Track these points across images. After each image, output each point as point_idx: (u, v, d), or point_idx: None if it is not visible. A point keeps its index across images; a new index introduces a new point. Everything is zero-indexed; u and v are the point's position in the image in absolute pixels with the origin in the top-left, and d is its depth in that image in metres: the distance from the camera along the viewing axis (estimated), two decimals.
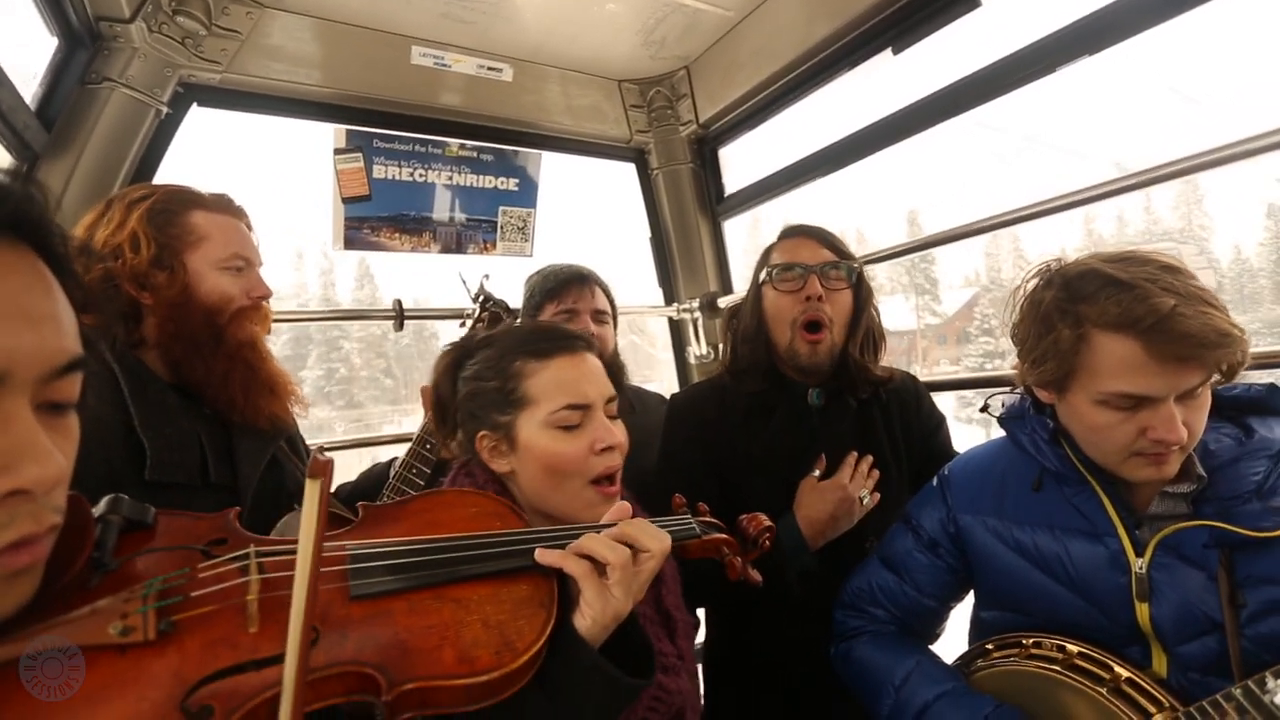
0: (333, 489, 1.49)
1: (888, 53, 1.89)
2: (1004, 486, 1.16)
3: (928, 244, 2.00)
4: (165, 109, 1.74)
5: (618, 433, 0.99)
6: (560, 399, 0.95)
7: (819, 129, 2.21)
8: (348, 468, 1.56)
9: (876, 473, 1.39)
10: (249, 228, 1.30)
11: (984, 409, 1.35)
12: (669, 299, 2.62)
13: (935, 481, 1.27)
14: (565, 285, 1.65)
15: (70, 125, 1.59)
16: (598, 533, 0.81)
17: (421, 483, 1.36)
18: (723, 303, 2.48)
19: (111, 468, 1.04)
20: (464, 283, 1.68)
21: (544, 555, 0.76)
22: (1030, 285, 1.10)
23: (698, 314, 2.54)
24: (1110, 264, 0.97)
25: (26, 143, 1.50)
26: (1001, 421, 1.20)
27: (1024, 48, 1.61)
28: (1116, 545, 1.01)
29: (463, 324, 1.63)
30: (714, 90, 2.28)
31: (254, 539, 0.70)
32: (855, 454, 1.39)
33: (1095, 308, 0.93)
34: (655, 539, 0.82)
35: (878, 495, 1.37)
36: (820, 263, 1.40)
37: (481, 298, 1.63)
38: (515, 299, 1.74)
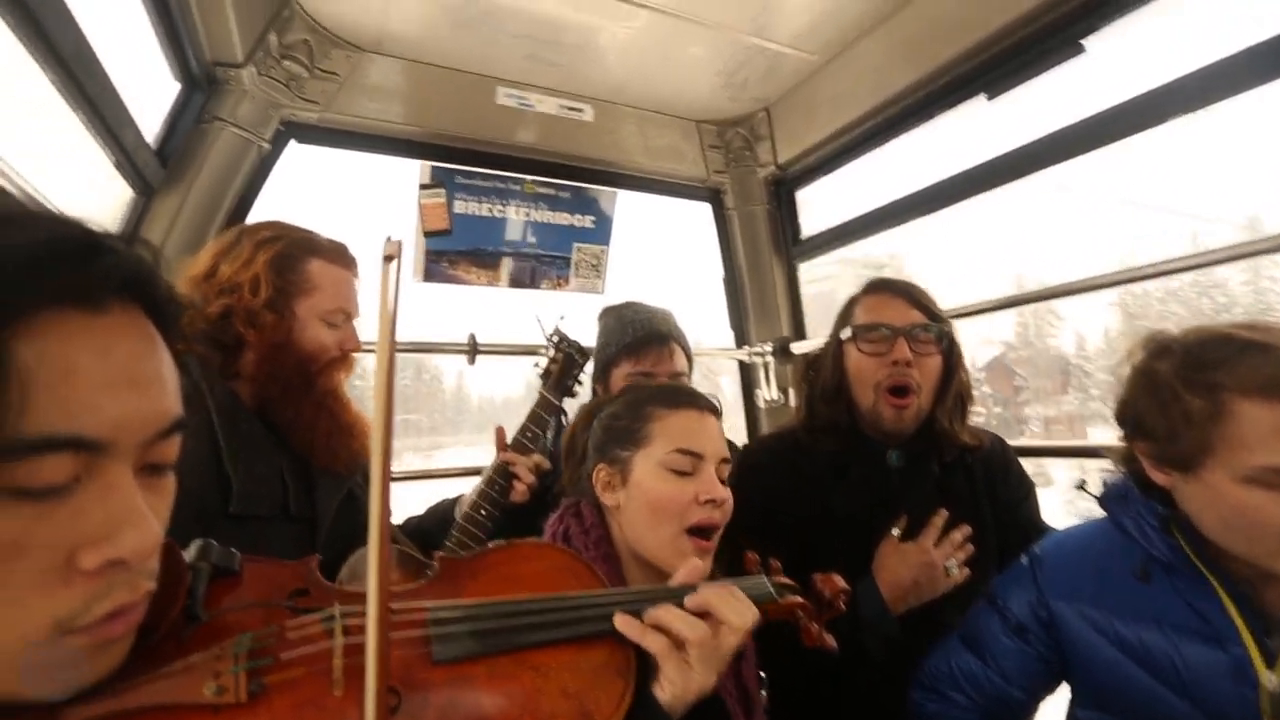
0: (399, 521, 1.51)
1: (981, 98, 1.82)
2: (1104, 573, 1.06)
3: (1021, 300, 1.88)
4: (267, 146, 1.84)
5: (724, 491, 1.01)
6: (677, 442, 1.02)
7: (904, 173, 2.13)
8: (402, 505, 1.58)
9: (970, 546, 1.28)
10: (357, 276, 1.35)
11: (1080, 486, 1.25)
12: (740, 341, 2.57)
13: (1025, 560, 1.17)
14: (644, 345, 1.58)
15: (184, 162, 1.70)
16: (678, 598, 0.79)
17: (490, 525, 1.35)
18: (796, 348, 2.41)
19: (199, 499, 1.08)
20: (540, 324, 1.69)
21: (624, 625, 0.75)
22: (1138, 358, 1.01)
23: (769, 358, 2.48)
24: (1239, 329, 0.88)
25: (146, 179, 1.61)
26: (1102, 502, 1.10)
27: (1131, 99, 1.51)
28: (1241, 654, 0.89)
29: (536, 365, 1.63)
30: (794, 132, 2.25)
31: (336, 593, 0.70)
32: (944, 513, 1.29)
33: (1235, 374, 0.84)
34: (738, 613, 0.79)
35: (967, 571, 1.26)
36: (909, 324, 1.31)
37: (556, 339, 1.63)
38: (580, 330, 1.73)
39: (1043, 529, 1.43)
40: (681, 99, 2.22)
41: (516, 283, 2.31)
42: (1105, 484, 1.11)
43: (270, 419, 1.24)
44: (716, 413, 1.10)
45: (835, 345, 1.41)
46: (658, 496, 1.00)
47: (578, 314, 1.76)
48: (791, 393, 2.43)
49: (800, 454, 1.41)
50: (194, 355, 1.20)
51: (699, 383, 1.81)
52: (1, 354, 0.39)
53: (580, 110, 2.15)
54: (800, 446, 1.42)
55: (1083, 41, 1.59)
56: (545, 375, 1.59)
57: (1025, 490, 1.44)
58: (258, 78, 1.73)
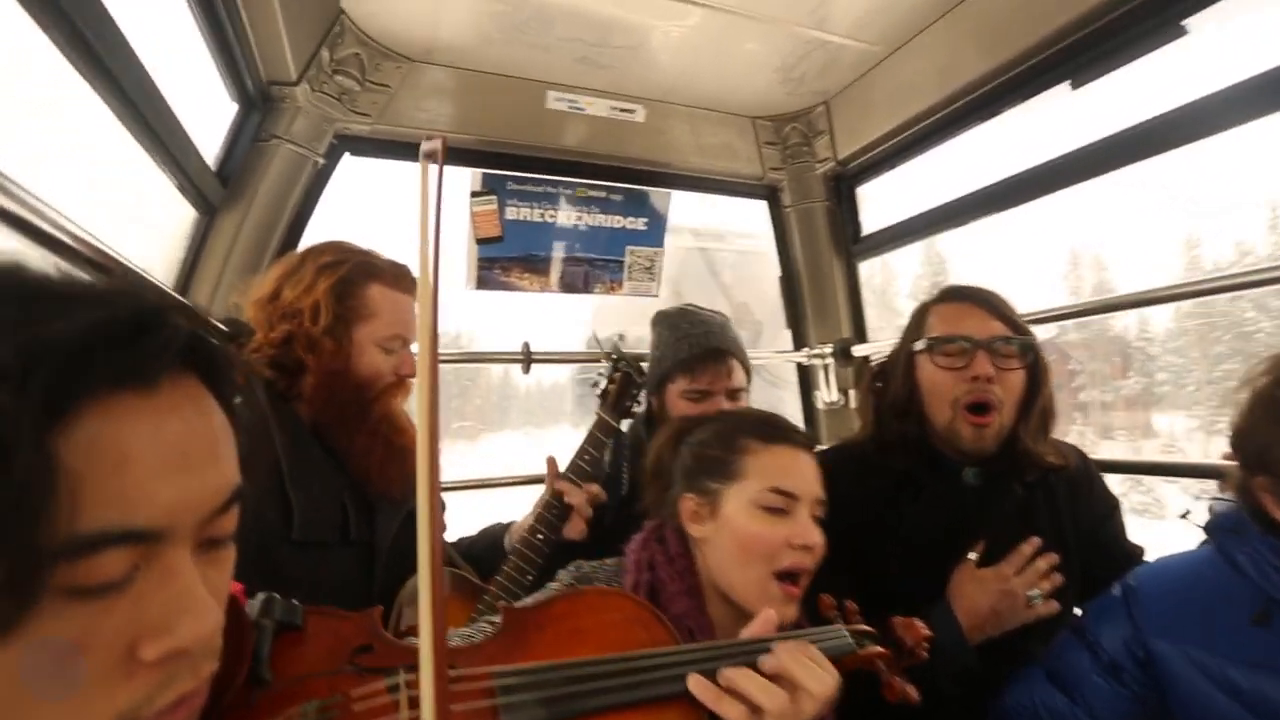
0: (451, 539, 1.50)
1: (1063, 87, 1.68)
2: (1213, 613, 0.96)
3: (1106, 307, 1.75)
4: (321, 160, 1.85)
5: (818, 536, 0.97)
6: (772, 480, 0.98)
7: (973, 167, 2.00)
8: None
9: (1058, 577, 1.19)
10: (416, 298, 1.34)
11: (1185, 516, 1.15)
12: (798, 343, 2.49)
13: (1118, 591, 1.08)
14: (701, 362, 1.50)
15: (243, 181, 1.72)
16: (754, 656, 0.76)
17: (542, 560, 1.33)
18: (857, 351, 2.32)
19: (262, 526, 1.09)
20: (598, 342, 1.65)
21: (698, 689, 0.72)
22: (1262, 383, 0.91)
23: (829, 360, 2.39)
24: None
25: (208, 200, 1.64)
26: (1210, 532, 1.01)
27: (1232, 85, 1.37)
28: None
29: (595, 385, 1.57)
30: (854, 126, 2.14)
31: (400, 650, 0.69)
32: (1035, 542, 1.20)
33: None
34: (818, 679, 0.75)
35: (1055, 604, 1.17)
36: (990, 336, 1.22)
37: (615, 356, 1.57)
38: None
39: (1128, 549, 1.34)
40: (736, 95, 2.14)
41: (569, 287, 2.29)
42: (1215, 513, 1.02)
43: (328, 444, 1.24)
44: (813, 449, 1.06)
45: (906, 356, 1.31)
46: (748, 535, 0.97)
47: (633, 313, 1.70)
48: (852, 394, 2.34)
49: (868, 470, 1.32)
50: (259, 379, 1.21)
51: (759, 387, 1.75)
52: (48, 457, 0.37)
53: (632, 111, 2.10)
54: (868, 461, 1.34)
55: (1184, 22, 1.45)
56: (603, 396, 1.53)
57: (1109, 508, 1.35)
58: (311, 94, 1.73)
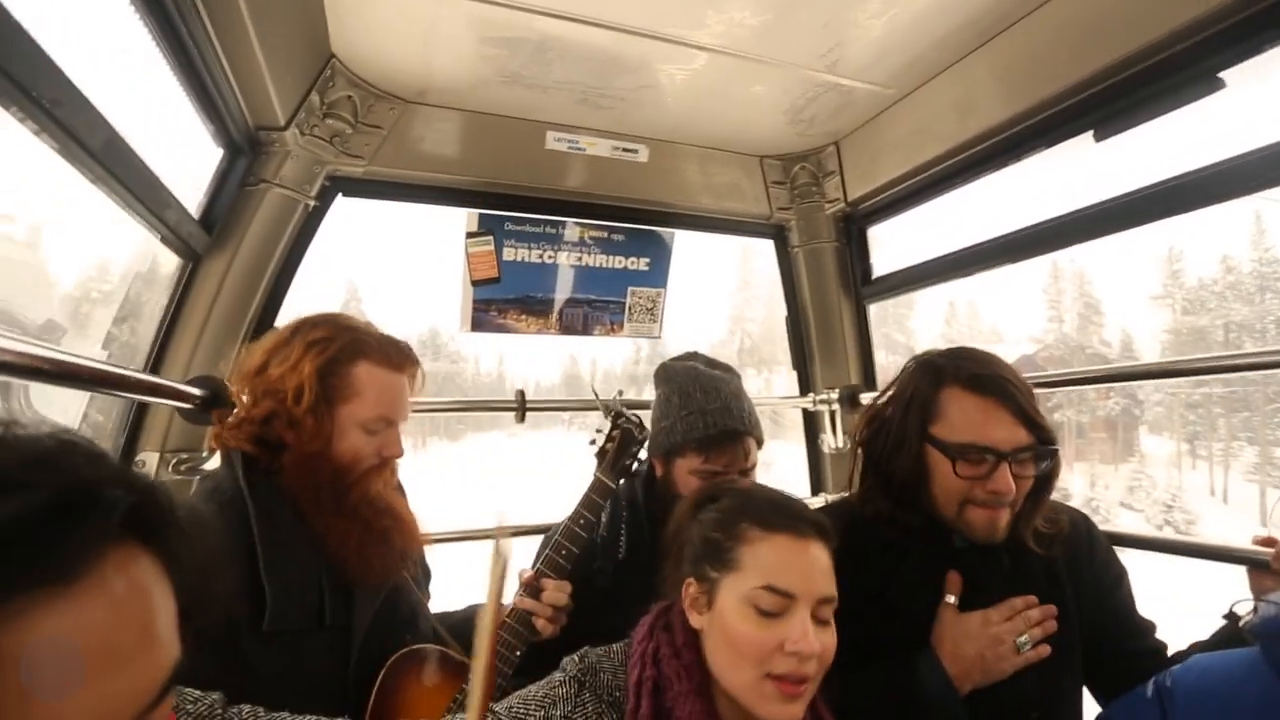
0: (438, 610, 1.43)
1: (1087, 137, 1.59)
2: None
3: (1108, 376, 1.66)
4: (313, 202, 1.80)
5: (818, 641, 0.88)
6: (765, 577, 0.90)
7: (990, 212, 1.92)
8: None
9: (1051, 623, 1.12)
10: (415, 376, 1.29)
11: (1229, 616, 1.06)
12: (804, 388, 2.40)
13: (1151, 691, 1.01)
14: (717, 445, 1.40)
15: (229, 226, 1.67)
16: None
17: (508, 672, 1.25)
18: (865, 398, 2.23)
19: (232, 620, 1.03)
20: (595, 395, 1.58)
21: None
22: None
23: (835, 406, 2.30)
24: None
25: (191, 248, 1.58)
26: (1256, 636, 0.93)
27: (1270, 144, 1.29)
28: None
29: (593, 442, 1.49)
30: (866, 168, 2.06)
31: None
32: (1030, 600, 1.14)
33: None
34: None
35: (1046, 648, 1.10)
36: (1015, 448, 1.11)
37: (615, 414, 1.49)
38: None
39: (1140, 624, 1.25)
40: (742, 135, 2.06)
41: (568, 329, 2.22)
42: (1262, 616, 0.94)
43: (307, 523, 1.18)
44: (825, 536, 0.95)
45: (916, 443, 1.19)
46: (738, 637, 0.89)
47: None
48: (853, 471, 2.25)
49: (854, 529, 1.19)
50: (240, 452, 1.15)
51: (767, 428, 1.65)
52: None
53: (635, 151, 2.03)
54: (854, 520, 1.24)
55: (1222, 75, 1.36)
56: (600, 455, 1.45)
57: (1114, 576, 1.26)
58: (301, 138, 1.67)
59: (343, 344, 1.19)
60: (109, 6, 1.13)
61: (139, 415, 1.60)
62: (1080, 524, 1.29)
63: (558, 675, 0.98)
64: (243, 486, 1.12)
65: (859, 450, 1.31)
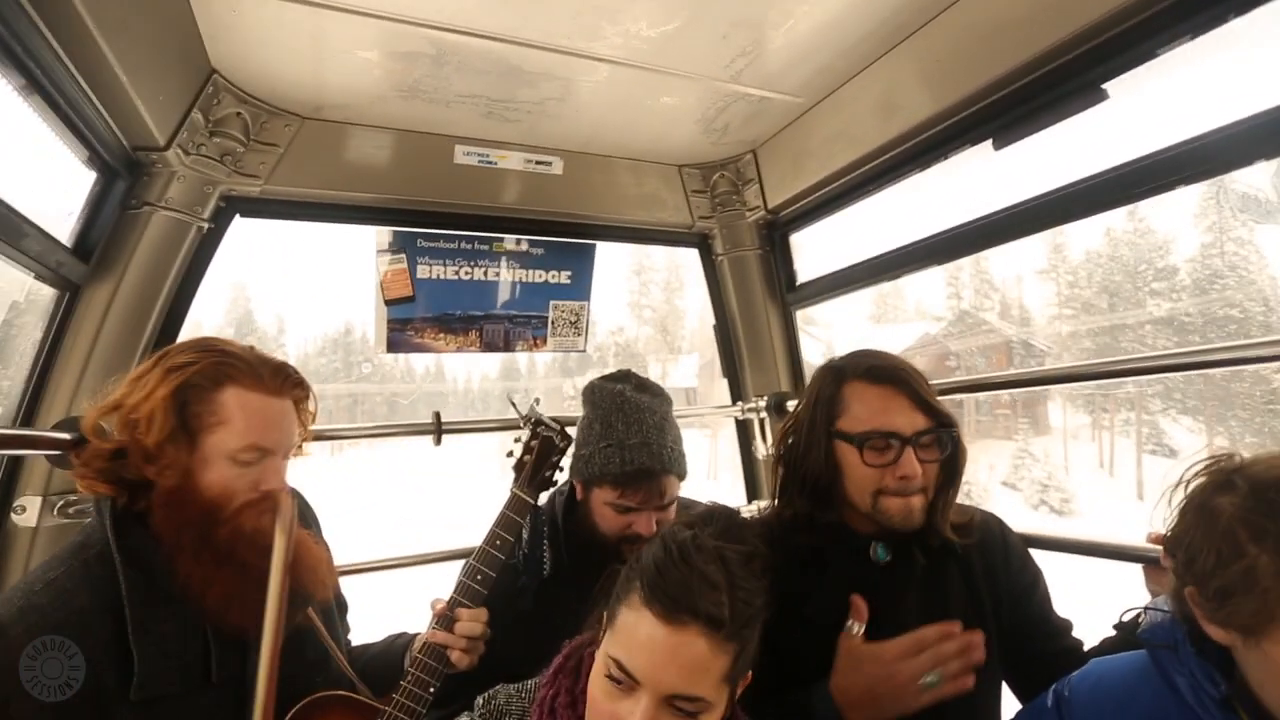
0: (357, 642, 1.36)
1: (987, 145, 1.61)
2: None
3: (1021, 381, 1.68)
4: (207, 224, 1.71)
5: None
6: (620, 650, 0.82)
7: (911, 214, 1.93)
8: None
9: (978, 653, 1.09)
10: (302, 400, 1.19)
11: (1119, 625, 1.08)
12: (735, 396, 2.39)
13: (1050, 699, 1.02)
14: (633, 482, 1.36)
15: (110, 252, 1.57)
16: None
17: (421, 711, 1.20)
18: (792, 406, 2.23)
19: (93, 687, 0.95)
20: (514, 405, 1.52)
21: None
22: (1196, 485, 0.87)
23: (764, 414, 2.30)
24: None
25: (64, 277, 1.48)
26: (1146, 644, 0.95)
27: (1148, 155, 1.32)
28: None
29: (510, 453, 1.42)
30: (784, 176, 2.05)
31: None
32: (944, 628, 1.11)
33: None
34: None
35: (968, 680, 1.08)
36: (915, 432, 1.15)
37: (533, 422, 1.42)
38: None
39: (1058, 625, 1.27)
40: (658, 145, 2.04)
41: (490, 346, 2.17)
42: (1152, 624, 0.95)
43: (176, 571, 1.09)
44: (714, 629, 0.80)
45: (825, 438, 1.21)
46: (590, 694, 0.85)
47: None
48: (770, 484, 2.25)
49: (776, 546, 1.22)
50: (108, 498, 1.07)
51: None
52: None
53: (548, 163, 1.98)
54: (773, 537, 1.24)
55: (1105, 86, 1.38)
56: (519, 467, 1.38)
57: (1030, 578, 1.28)
58: (186, 157, 1.58)
59: (203, 366, 1.08)
60: None
61: (14, 458, 1.49)
62: (994, 526, 1.31)
63: (464, 716, 0.95)
64: (110, 536, 1.03)
65: (779, 462, 1.31)
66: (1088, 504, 25.87)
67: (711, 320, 2.42)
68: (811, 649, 1.16)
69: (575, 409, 1.59)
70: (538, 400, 1.53)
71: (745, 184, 2.17)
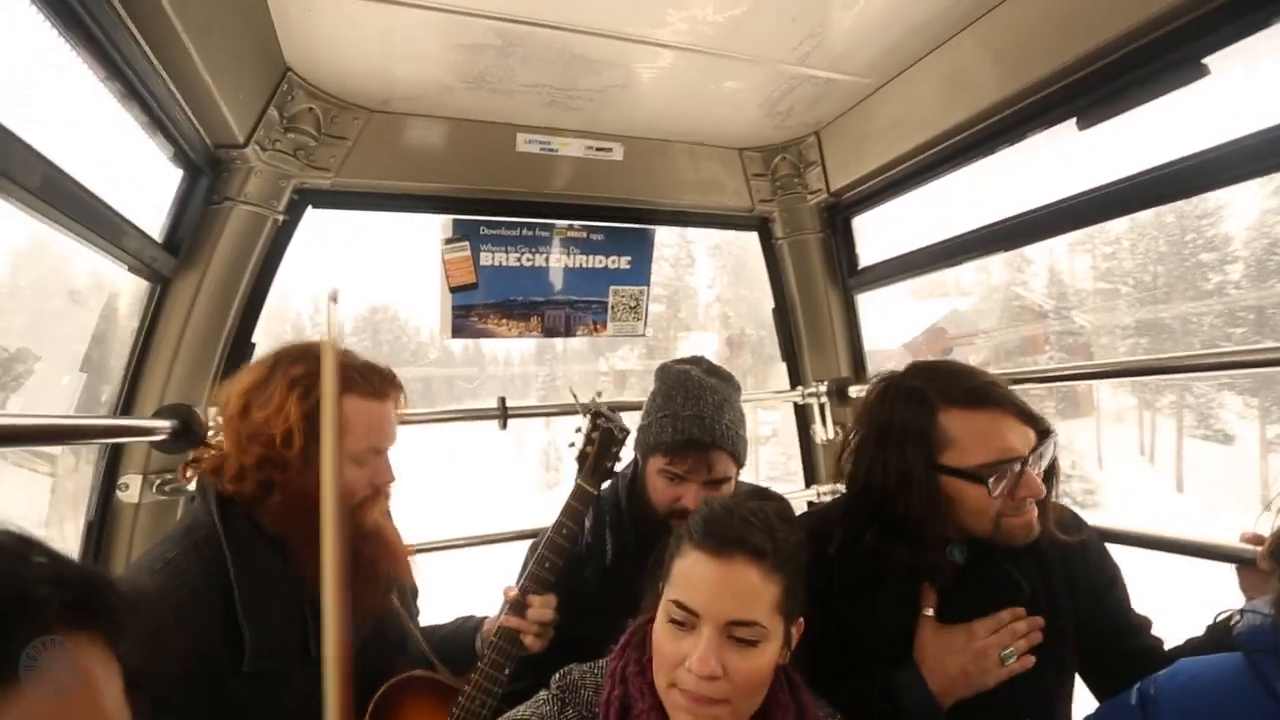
0: (426, 625, 1.43)
1: (1069, 126, 1.53)
2: None
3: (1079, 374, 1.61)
4: (282, 217, 1.77)
5: (718, 664, 0.86)
6: (678, 592, 0.91)
7: (980, 198, 1.86)
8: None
9: (1037, 635, 1.12)
10: (397, 401, 1.26)
11: (1212, 627, 1.07)
12: (794, 381, 2.37)
13: (1134, 698, 0.98)
14: (679, 450, 1.38)
15: (195, 247, 1.64)
16: None
17: (497, 691, 1.25)
18: (854, 392, 2.20)
19: (210, 659, 1.03)
20: (575, 398, 1.54)
21: None
22: None
23: (824, 399, 2.28)
24: None
25: (156, 271, 1.56)
26: (1243, 649, 0.91)
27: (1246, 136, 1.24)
28: None
29: (573, 444, 1.46)
30: (847, 158, 2.00)
31: None
32: (1015, 611, 1.13)
33: None
34: None
35: (1030, 659, 1.10)
36: (1030, 448, 1.10)
37: (593, 414, 1.44)
38: None
39: (1137, 623, 1.24)
40: (720, 129, 2.01)
41: (550, 332, 2.19)
42: (1250, 627, 0.92)
43: (293, 561, 1.16)
44: (759, 558, 0.90)
45: (927, 477, 1.12)
46: (655, 644, 0.92)
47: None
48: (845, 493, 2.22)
49: (845, 540, 1.21)
50: (213, 491, 1.14)
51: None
52: None
53: (609, 149, 1.98)
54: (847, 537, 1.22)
55: (1206, 60, 1.29)
56: (581, 459, 1.41)
57: (1109, 575, 1.25)
58: (263, 153, 1.64)
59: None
60: (38, 38, 1.09)
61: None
62: (1071, 520, 1.27)
63: (543, 694, 1.00)
64: (217, 522, 1.11)
65: (850, 483, 1.26)
66: (1121, 496, 23.83)
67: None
68: (878, 645, 1.16)
69: (605, 384, 1.61)
70: (599, 394, 1.55)
71: (807, 167, 2.12)
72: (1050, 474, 1.16)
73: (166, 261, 1.57)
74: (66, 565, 0.47)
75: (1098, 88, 1.44)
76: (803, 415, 2.40)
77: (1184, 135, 1.39)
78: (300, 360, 1.18)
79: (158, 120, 1.35)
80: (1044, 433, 1.13)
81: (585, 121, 1.89)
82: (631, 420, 1.49)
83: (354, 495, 1.18)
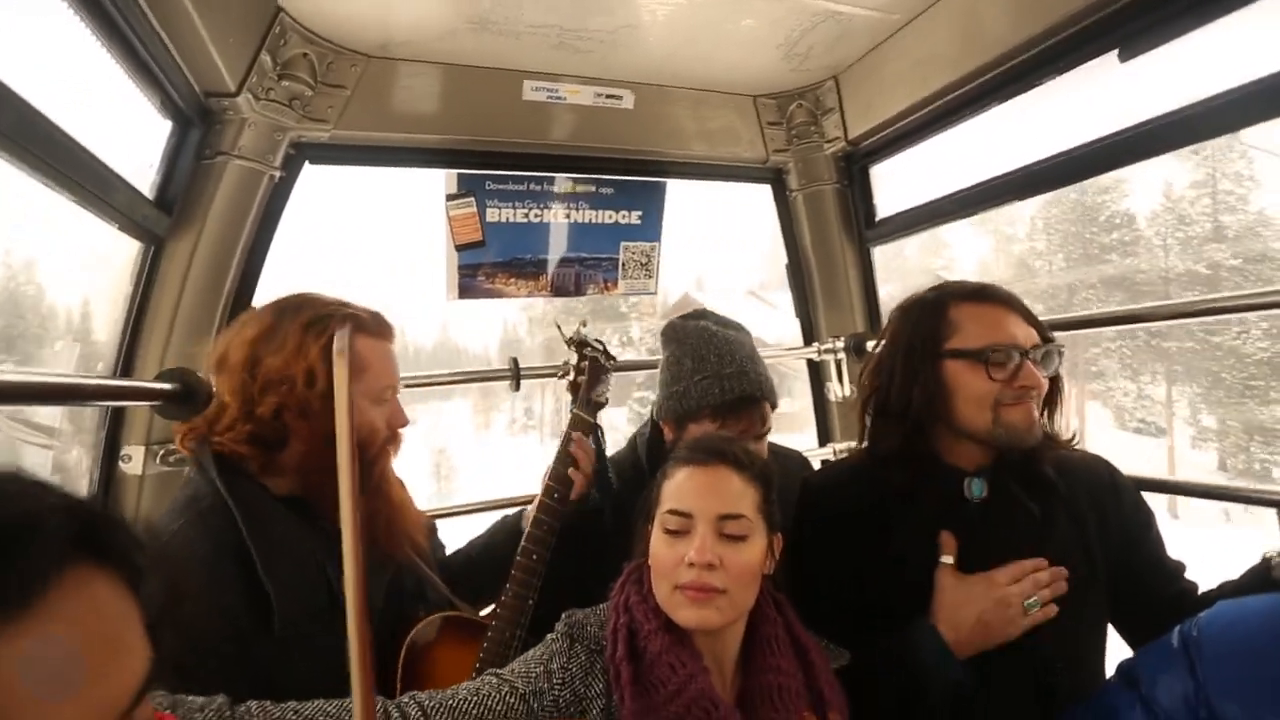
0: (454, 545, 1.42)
1: (1109, 58, 1.46)
2: None
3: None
4: (279, 172, 1.68)
5: (714, 553, 0.94)
6: (670, 502, 1.00)
7: (1003, 144, 1.79)
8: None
9: (1061, 585, 1.10)
10: (392, 343, 1.26)
11: (1253, 569, 1.04)
12: (808, 337, 2.32)
13: (1175, 639, 0.96)
14: (734, 411, 1.34)
15: (190, 204, 1.56)
16: None
17: (524, 622, 1.25)
18: (872, 346, 2.15)
19: (237, 627, 0.99)
20: (559, 329, 1.52)
21: None
22: None
23: (840, 355, 2.23)
24: None
25: (149, 230, 1.49)
26: None
27: None
28: None
29: (561, 375, 1.49)
30: (867, 103, 1.92)
31: None
32: (1038, 562, 1.11)
33: None
34: None
35: (1053, 609, 1.08)
36: (1032, 345, 1.15)
37: (578, 343, 1.46)
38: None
39: (1172, 568, 1.22)
40: (734, 74, 1.91)
41: (560, 290, 2.13)
42: None
43: (315, 514, 1.13)
44: (737, 464, 1.01)
45: (931, 365, 1.17)
46: (653, 557, 0.99)
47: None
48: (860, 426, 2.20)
49: (865, 486, 1.23)
50: (211, 454, 1.08)
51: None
52: None
53: (619, 97, 1.89)
54: (866, 478, 1.24)
55: None
56: (573, 389, 1.44)
57: (1143, 522, 1.23)
58: (256, 103, 1.54)
59: (339, 321, 1.12)
60: None
61: (118, 409, 1.53)
62: (1101, 469, 1.26)
63: (550, 635, 1.04)
64: (221, 489, 1.06)
65: (865, 409, 1.29)
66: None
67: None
68: (897, 587, 1.15)
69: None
70: (584, 323, 1.53)
71: (824, 113, 2.03)
72: (1054, 389, 1.21)
73: (159, 220, 1.49)
74: (80, 501, 0.46)
75: (1141, 15, 1.36)
76: (816, 373, 2.35)
77: (1213, 75, 1.32)
78: (304, 307, 1.15)
79: (143, 64, 1.26)
80: (1048, 338, 1.18)
81: (594, 66, 1.79)
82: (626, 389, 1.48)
83: (377, 436, 1.17)
